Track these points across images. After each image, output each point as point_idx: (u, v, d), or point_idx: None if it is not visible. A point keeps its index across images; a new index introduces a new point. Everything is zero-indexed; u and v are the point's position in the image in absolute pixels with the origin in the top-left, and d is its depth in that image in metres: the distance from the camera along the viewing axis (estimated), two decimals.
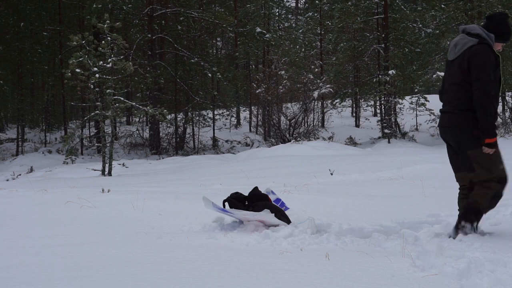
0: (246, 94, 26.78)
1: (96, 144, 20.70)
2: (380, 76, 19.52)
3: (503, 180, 3.79)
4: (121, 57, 12.71)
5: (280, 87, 19.47)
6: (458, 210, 4.05)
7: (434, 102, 21.52)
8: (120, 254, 3.43)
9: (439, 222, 4.58)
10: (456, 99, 3.83)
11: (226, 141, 23.40)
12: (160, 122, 20.47)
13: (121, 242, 3.84)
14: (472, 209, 3.83)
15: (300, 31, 31.60)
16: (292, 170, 10.15)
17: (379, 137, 19.97)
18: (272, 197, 4.69)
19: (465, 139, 3.81)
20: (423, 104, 21.35)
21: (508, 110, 20.10)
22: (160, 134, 21.60)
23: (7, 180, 11.90)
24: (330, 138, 19.90)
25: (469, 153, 3.80)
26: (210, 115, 24.61)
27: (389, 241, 3.77)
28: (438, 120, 20.43)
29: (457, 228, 3.87)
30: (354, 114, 29.37)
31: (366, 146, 18.51)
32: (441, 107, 4.03)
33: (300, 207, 5.17)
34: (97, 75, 11.73)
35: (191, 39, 23.28)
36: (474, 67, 3.72)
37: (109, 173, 11.76)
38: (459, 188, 4.07)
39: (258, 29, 24.03)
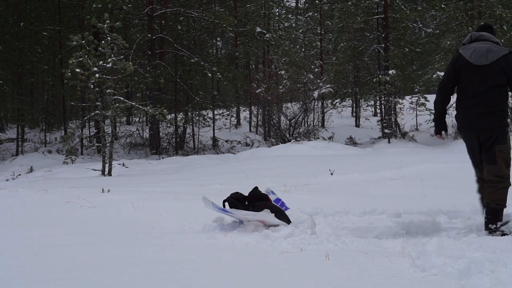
0: (246, 94, 26.78)
1: (96, 144, 20.70)
2: (380, 76, 19.50)
3: None
4: (121, 57, 12.70)
5: (280, 87, 19.46)
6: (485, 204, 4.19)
7: None
8: (120, 254, 3.43)
9: (439, 222, 4.58)
10: (497, 101, 4.10)
11: (226, 141, 23.38)
12: (160, 122, 20.45)
13: (121, 242, 3.83)
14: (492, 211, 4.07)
15: (300, 31, 31.60)
16: (292, 170, 10.14)
17: (379, 137, 19.96)
18: (272, 197, 4.68)
19: (501, 136, 4.09)
20: (423, 104, 21.34)
21: None
22: (160, 134, 21.58)
23: (7, 180, 11.88)
24: (330, 138, 19.88)
25: (496, 147, 4.07)
26: (210, 115, 24.58)
27: (389, 241, 3.77)
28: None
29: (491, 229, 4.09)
30: (354, 114, 29.36)
31: (366, 146, 18.50)
32: (469, 108, 4.17)
33: (300, 207, 5.16)
34: (97, 75, 11.72)
35: (191, 39, 23.27)
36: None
37: (109, 173, 11.75)
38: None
39: (258, 29, 24.01)
